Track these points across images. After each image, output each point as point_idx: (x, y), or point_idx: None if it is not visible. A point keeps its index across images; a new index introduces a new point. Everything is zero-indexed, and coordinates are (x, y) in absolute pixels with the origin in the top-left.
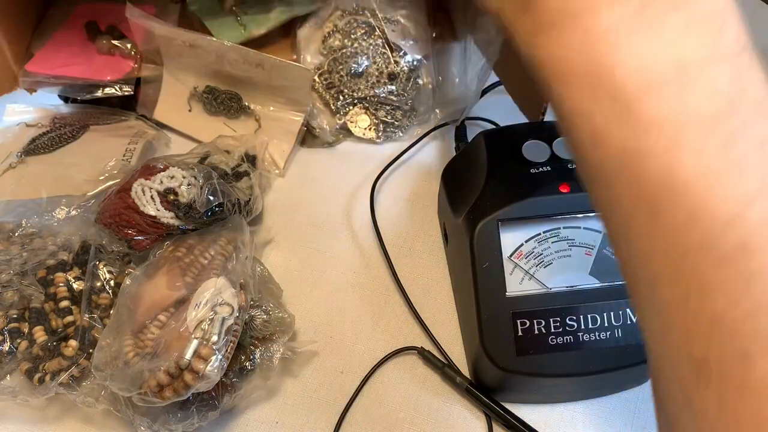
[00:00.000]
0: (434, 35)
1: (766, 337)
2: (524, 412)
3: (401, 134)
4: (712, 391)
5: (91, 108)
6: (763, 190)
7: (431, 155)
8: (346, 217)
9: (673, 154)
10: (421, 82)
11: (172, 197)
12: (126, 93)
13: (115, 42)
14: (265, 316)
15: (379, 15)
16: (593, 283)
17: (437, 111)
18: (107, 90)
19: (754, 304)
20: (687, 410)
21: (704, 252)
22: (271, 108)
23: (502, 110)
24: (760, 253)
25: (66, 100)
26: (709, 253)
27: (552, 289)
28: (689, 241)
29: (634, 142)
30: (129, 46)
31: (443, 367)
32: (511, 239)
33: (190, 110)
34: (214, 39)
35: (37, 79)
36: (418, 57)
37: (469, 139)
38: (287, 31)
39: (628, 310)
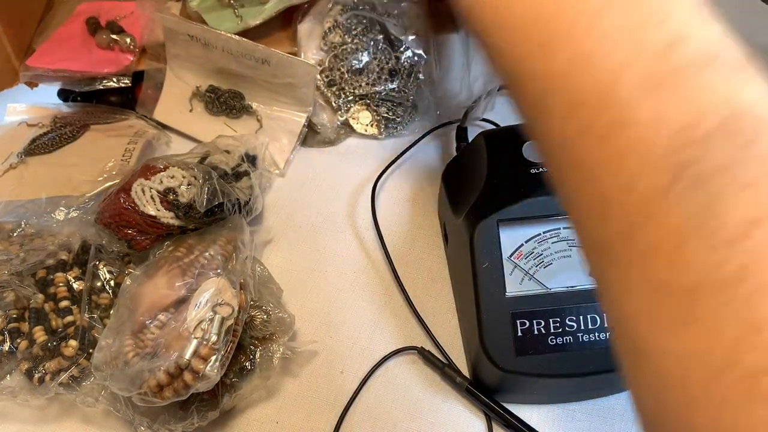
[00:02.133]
0: (435, 29)
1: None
2: (524, 412)
3: (403, 130)
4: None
5: (91, 107)
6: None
7: (432, 155)
8: (347, 217)
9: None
10: (422, 77)
11: (172, 197)
12: (124, 85)
13: (114, 36)
14: (265, 316)
15: (379, 9)
16: (593, 283)
17: (439, 109)
18: (105, 82)
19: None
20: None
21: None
22: (274, 108)
23: (503, 111)
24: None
25: (66, 99)
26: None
27: (552, 290)
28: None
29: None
30: (128, 40)
31: (443, 367)
32: (510, 239)
33: (191, 110)
34: (222, 32)
35: (37, 72)
36: (419, 52)
37: (470, 140)
38: (286, 23)
39: None
